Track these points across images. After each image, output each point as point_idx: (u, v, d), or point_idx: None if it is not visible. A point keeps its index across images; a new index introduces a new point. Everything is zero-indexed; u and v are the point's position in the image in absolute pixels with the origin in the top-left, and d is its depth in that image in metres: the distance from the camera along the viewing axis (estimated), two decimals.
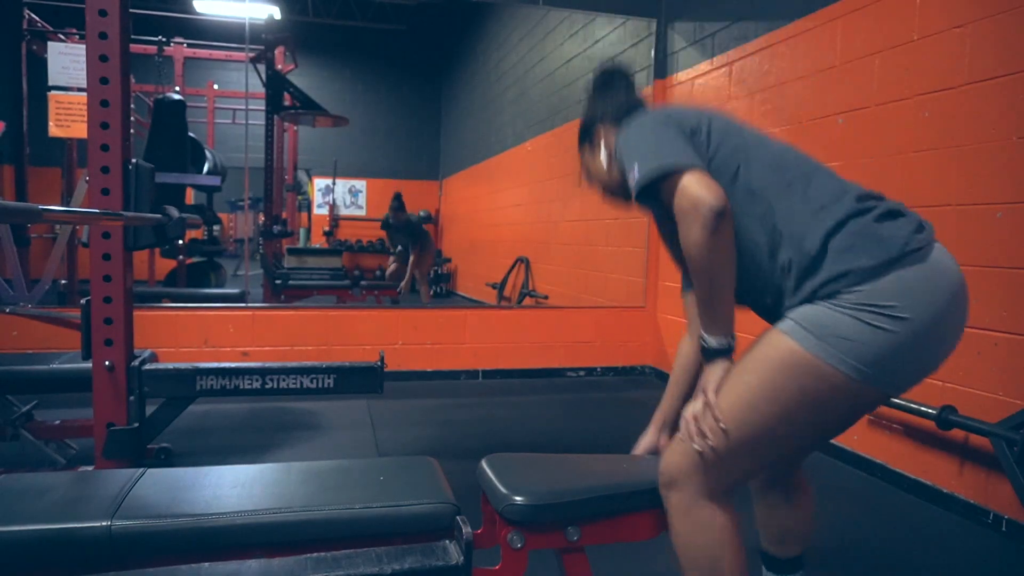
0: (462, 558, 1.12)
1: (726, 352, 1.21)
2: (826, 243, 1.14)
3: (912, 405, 2.37)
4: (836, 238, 1.14)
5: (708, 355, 1.21)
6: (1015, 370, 2.15)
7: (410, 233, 6.85)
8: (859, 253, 1.12)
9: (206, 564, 1.04)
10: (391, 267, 7.23)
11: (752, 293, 1.28)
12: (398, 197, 6.79)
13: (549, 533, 1.28)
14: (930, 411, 2.30)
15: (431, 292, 7.67)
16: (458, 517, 1.18)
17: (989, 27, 2.23)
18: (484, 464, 1.38)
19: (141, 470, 1.30)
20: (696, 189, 1.11)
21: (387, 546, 1.19)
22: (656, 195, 1.18)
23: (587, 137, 1.47)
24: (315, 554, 1.09)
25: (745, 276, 1.24)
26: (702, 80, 3.87)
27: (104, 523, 1.08)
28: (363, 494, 1.25)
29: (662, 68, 4.29)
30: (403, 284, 6.69)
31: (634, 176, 1.19)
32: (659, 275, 4.36)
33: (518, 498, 1.24)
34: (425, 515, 1.22)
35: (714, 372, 1.20)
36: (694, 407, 1.20)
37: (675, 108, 1.35)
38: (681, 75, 4.11)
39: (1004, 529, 2.16)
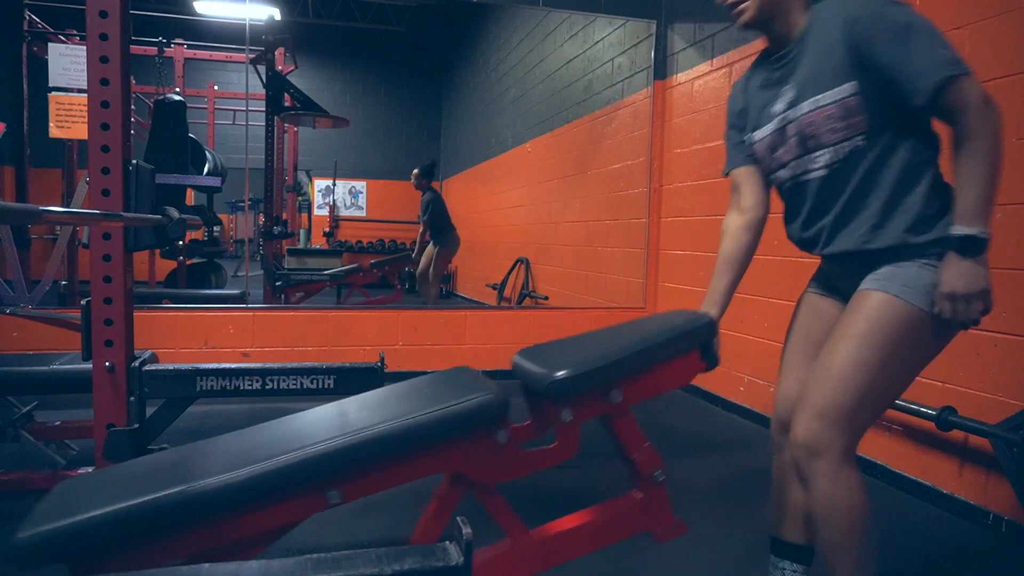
0: (462, 559, 1.12)
1: (986, 244, 1.27)
2: (945, 209, 1.32)
3: (912, 406, 2.37)
4: (942, 194, 1.34)
5: (974, 247, 1.26)
6: (1015, 370, 2.15)
7: (431, 214, 6.34)
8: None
9: (206, 565, 1.04)
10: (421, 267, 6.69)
11: (843, 218, 1.39)
12: (431, 164, 6.49)
13: (594, 401, 1.36)
14: (930, 412, 2.30)
15: (437, 291, 7.22)
16: (458, 518, 1.18)
17: (989, 28, 2.23)
18: (517, 358, 1.45)
19: (189, 445, 1.34)
20: (985, 92, 1.25)
21: (446, 449, 1.27)
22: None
23: None
24: (315, 555, 1.09)
25: (853, 199, 1.37)
26: (702, 81, 3.87)
27: (177, 489, 1.12)
28: (417, 405, 1.29)
29: (662, 69, 4.29)
30: (420, 267, 6.40)
31: (943, 54, 1.24)
32: (659, 276, 4.36)
33: (559, 373, 1.30)
34: (478, 408, 1.27)
35: (971, 268, 1.26)
36: (953, 291, 1.26)
37: None
38: (681, 76, 4.11)
39: (1004, 530, 2.16)
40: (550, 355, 1.43)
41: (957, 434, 2.31)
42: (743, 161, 1.56)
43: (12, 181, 5.14)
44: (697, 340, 1.47)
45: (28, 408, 2.39)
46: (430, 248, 6.42)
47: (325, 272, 6.10)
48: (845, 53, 1.31)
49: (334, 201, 10.93)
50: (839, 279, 1.50)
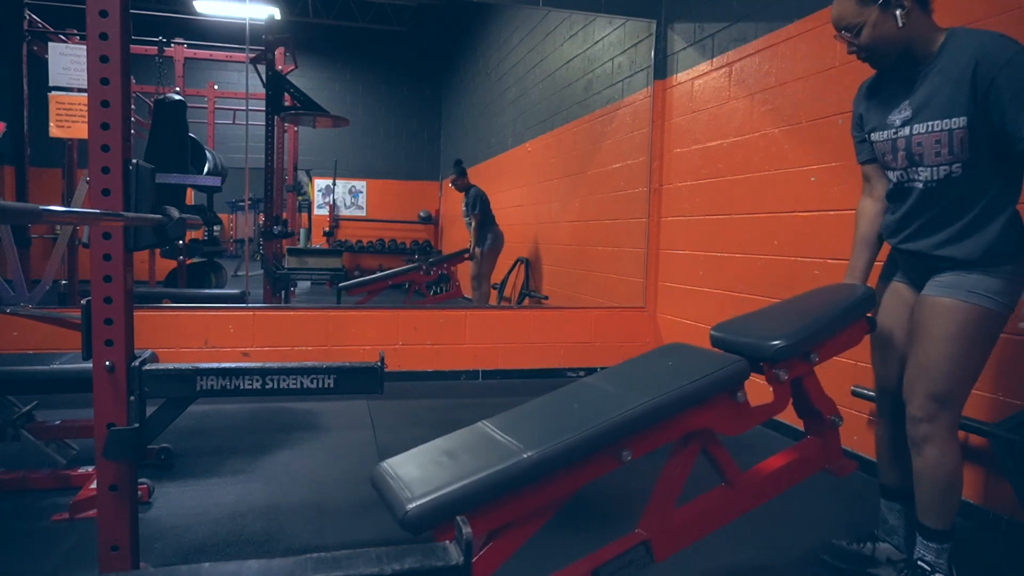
0: (462, 558, 1.12)
1: None
2: (1013, 228, 1.59)
3: None
4: (1018, 227, 1.60)
5: None
6: (1015, 370, 2.15)
7: (479, 210, 6.03)
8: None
9: (206, 564, 1.04)
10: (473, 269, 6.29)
11: (930, 227, 1.66)
12: (458, 162, 6.32)
13: (800, 363, 1.63)
14: None
15: (488, 290, 6.32)
16: (458, 518, 1.18)
17: (989, 27, 2.22)
18: (718, 333, 1.71)
19: (483, 423, 1.53)
20: None
21: (705, 409, 1.51)
22: None
23: None
24: (315, 555, 1.09)
25: (944, 214, 1.63)
26: (702, 81, 3.87)
27: (525, 455, 1.31)
28: (678, 376, 1.51)
29: (662, 69, 4.29)
30: (470, 252, 6.20)
31: None
32: (659, 275, 4.36)
33: (777, 342, 1.57)
34: (733, 374, 1.53)
35: None
36: None
37: None
38: (681, 76, 4.11)
39: (1004, 529, 2.16)
40: (756, 327, 1.69)
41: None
42: (873, 156, 1.80)
43: (12, 181, 5.14)
44: (865, 309, 1.75)
45: (28, 408, 2.39)
46: (475, 249, 6.17)
47: (387, 272, 6.21)
48: (968, 89, 1.52)
49: (334, 201, 10.93)
50: (909, 268, 1.80)
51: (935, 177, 1.62)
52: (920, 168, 1.64)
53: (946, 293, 1.63)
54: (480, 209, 6.10)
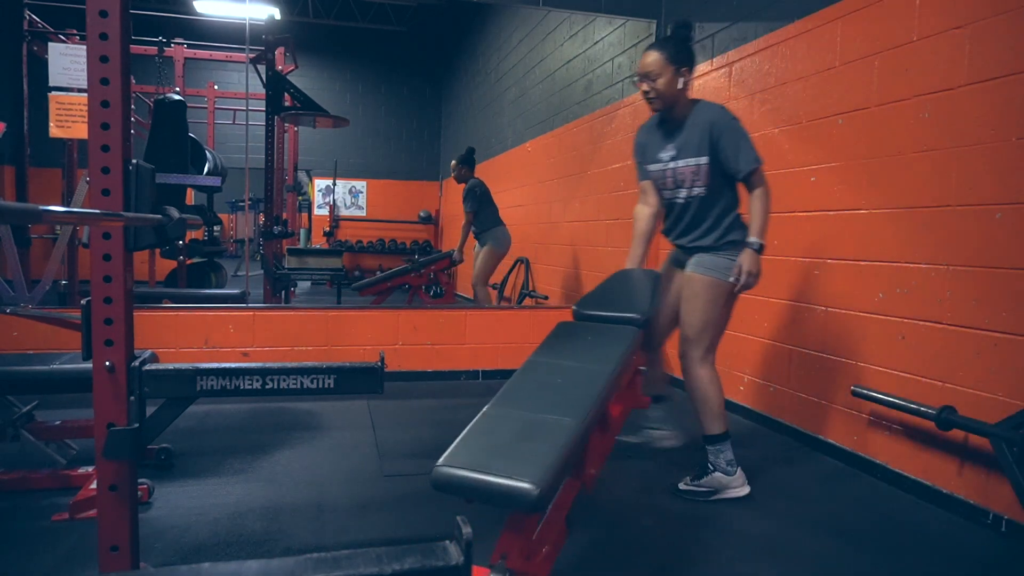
0: (462, 558, 1.12)
1: (764, 248, 2.31)
2: (735, 225, 2.41)
3: (912, 405, 2.37)
4: (737, 223, 2.41)
5: (761, 249, 2.30)
6: (1015, 370, 2.15)
7: (474, 204, 5.49)
8: (742, 233, 2.37)
9: (206, 564, 1.04)
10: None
11: (689, 228, 2.44)
12: (470, 150, 5.81)
13: (649, 326, 2.18)
14: (930, 411, 2.30)
15: (486, 294, 5.71)
16: (458, 518, 1.18)
17: (989, 27, 2.23)
18: (584, 309, 2.25)
19: (487, 412, 1.61)
20: (764, 175, 2.35)
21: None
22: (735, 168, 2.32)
23: (678, 63, 2.32)
24: (315, 555, 1.09)
25: (695, 219, 2.42)
26: (701, 81, 3.87)
27: (577, 423, 1.50)
28: (612, 345, 1.96)
29: None
30: (456, 254, 5.79)
31: (753, 155, 2.29)
32: None
33: (639, 315, 2.13)
34: (640, 339, 2.09)
35: (757, 259, 2.30)
36: (750, 271, 2.29)
37: None
38: None
39: (1004, 529, 2.16)
40: (614, 305, 2.22)
41: (957, 434, 2.31)
42: (649, 176, 2.54)
43: (12, 180, 5.14)
44: (660, 287, 2.42)
45: (28, 408, 2.39)
46: (477, 247, 5.64)
47: (388, 272, 6.19)
48: (708, 140, 2.31)
49: (334, 201, 10.93)
50: (683, 257, 2.51)
51: (691, 195, 2.39)
52: (681, 190, 2.41)
53: (693, 269, 2.41)
54: (472, 207, 5.47)
